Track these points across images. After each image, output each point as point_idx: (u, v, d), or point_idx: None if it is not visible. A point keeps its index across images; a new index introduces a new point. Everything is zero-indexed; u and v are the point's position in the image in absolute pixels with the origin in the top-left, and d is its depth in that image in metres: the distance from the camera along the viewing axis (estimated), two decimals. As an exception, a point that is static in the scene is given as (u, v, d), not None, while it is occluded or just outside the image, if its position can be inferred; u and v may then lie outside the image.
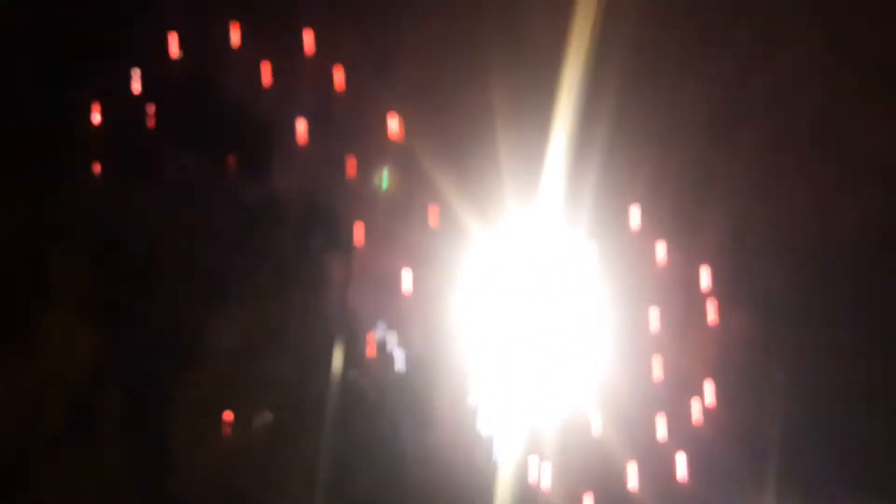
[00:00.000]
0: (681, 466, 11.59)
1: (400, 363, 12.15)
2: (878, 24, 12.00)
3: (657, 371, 11.97)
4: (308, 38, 12.63)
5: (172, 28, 12.57)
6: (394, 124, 12.43)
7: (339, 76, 12.67)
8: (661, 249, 12.25)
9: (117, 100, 12.51)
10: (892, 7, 11.92)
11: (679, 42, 12.24)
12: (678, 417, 11.82)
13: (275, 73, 12.70)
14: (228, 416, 11.45)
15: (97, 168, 12.26)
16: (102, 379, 11.30)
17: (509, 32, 12.17)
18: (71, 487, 10.82)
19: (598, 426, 11.66)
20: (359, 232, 12.45)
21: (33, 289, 11.30)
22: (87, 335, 11.30)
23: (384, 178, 12.44)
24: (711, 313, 12.10)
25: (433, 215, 12.41)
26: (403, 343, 12.27)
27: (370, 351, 12.23)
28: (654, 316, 12.14)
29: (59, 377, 11.09)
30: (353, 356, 12.06)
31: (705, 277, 12.21)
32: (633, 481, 11.53)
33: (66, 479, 10.85)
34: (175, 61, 12.64)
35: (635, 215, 12.28)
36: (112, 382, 11.37)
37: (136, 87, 12.54)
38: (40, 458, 10.81)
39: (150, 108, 12.56)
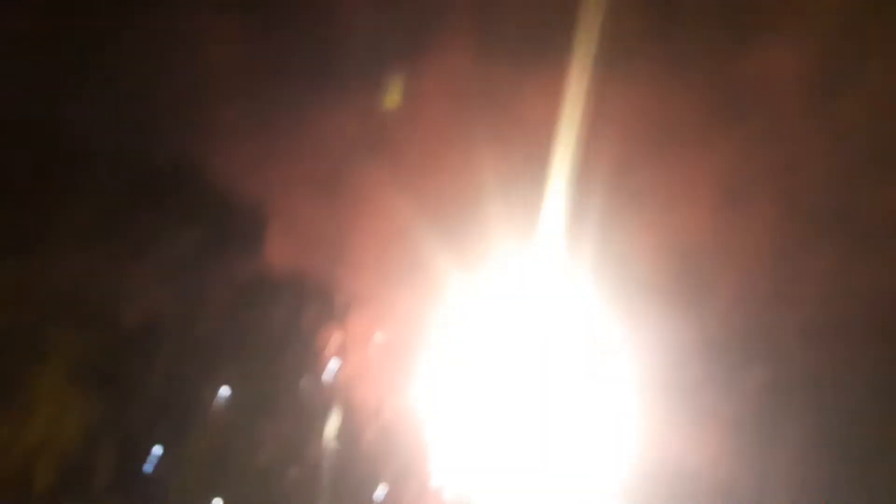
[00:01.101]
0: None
1: (395, 432, 12.20)
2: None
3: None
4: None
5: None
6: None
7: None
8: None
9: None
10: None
11: (684, 117, 12.59)
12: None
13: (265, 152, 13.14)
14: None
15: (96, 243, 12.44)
16: (96, 444, 11.19)
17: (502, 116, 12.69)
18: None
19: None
20: (352, 304, 12.71)
21: (28, 356, 11.32)
22: (81, 402, 11.26)
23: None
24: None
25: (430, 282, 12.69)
26: (398, 411, 12.35)
27: (364, 420, 12.28)
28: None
29: (51, 442, 10.97)
30: (348, 425, 12.11)
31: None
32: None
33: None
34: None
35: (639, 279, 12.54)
36: (105, 448, 11.25)
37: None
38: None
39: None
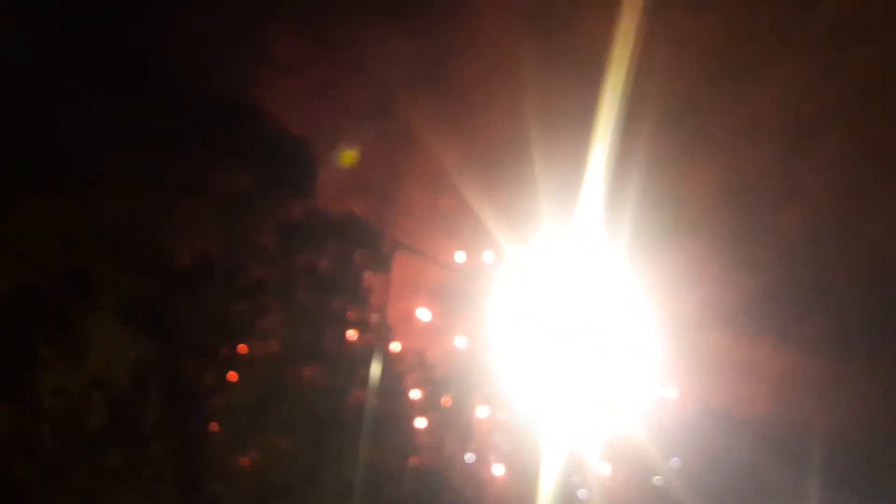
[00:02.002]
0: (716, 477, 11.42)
1: (437, 375, 12.21)
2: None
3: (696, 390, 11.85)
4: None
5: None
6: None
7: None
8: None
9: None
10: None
11: (745, 43, 11.90)
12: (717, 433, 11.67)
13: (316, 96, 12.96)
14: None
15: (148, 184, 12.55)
16: (145, 385, 11.52)
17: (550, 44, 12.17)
18: (114, 486, 10.97)
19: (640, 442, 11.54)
20: (398, 249, 12.62)
21: (81, 295, 11.62)
22: (132, 341, 11.56)
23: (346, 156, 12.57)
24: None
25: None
26: (442, 355, 12.34)
27: (407, 363, 12.32)
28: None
29: (103, 380, 11.34)
30: (391, 367, 12.15)
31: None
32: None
33: (109, 477, 11.01)
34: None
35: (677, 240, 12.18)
36: (155, 387, 11.59)
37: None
38: (85, 457, 11.01)
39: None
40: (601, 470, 11.43)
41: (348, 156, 12.57)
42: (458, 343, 12.29)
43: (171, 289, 12.14)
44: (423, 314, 12.62)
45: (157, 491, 11.08)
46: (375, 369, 11.92)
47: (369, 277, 12.72)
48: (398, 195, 13.15)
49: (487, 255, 12.65)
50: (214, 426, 11.62)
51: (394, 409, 12.09)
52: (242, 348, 11.95)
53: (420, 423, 12.07)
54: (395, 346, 12.41)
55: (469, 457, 11.98)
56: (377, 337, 12.27)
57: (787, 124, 12.43)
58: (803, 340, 12.05)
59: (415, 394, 12.23)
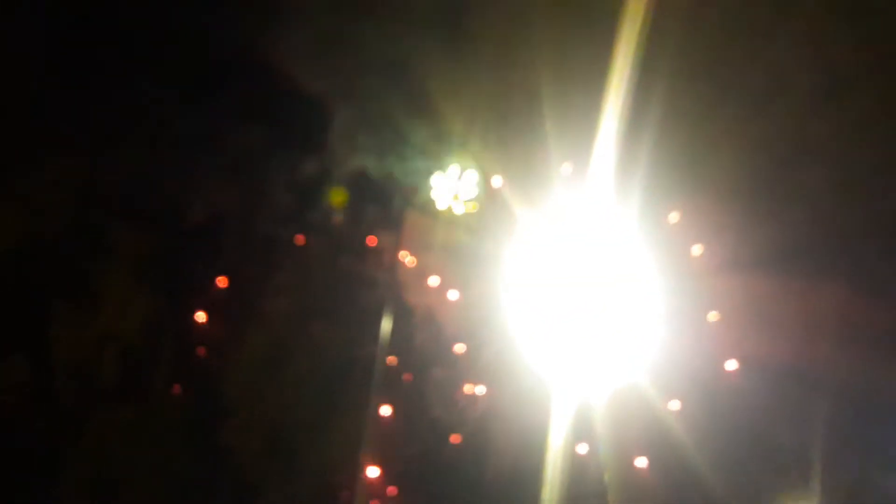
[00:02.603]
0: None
1: (448, 331, 12.16)
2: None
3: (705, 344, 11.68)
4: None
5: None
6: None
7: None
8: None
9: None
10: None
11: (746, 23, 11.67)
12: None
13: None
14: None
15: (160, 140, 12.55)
16: (158, 340, 11.61)
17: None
18: (127, 438, 11.12)
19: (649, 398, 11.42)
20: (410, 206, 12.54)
21: (93, 249, 11.70)
22: (144, 298, 11.64)
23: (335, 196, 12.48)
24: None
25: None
26: (450, 312, 12.27)
27: (419, 319, 12.26)
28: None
29: (115, 336, 11.44)
30: (402, 324, 12.11)
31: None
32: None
33: (122, 429, 11.16)
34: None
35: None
36: (167, 344, 11.67)
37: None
38: (98, 408, 11.16)
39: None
40: (608, 419, 11.33)
41: (339, 195, 12.49)
42: (469, 298, 12.20)
43: (184, 244, 12.16)
44: (435, 271, 12.53)
45: (169, 441, 11.19)
46: (386, 326, 11.89)
47: (381, 234, 12.64)
48: (412, 152, 13.01)
49: (501, 211, 12.50)
50: (227, 380, 11.68)
51: (405, 363, 12.06)
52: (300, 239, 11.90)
53: (430, 377, 12.04)
54: (406, 303, 12.35)
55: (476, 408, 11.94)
56: (388, 294, 12.20)
57: (812, 79, 12.07)
58: (824, 292, 11.79)
59: (425, 350, 12.18)
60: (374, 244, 12.65)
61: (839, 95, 11.94)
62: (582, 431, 11.46)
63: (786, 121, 12.01)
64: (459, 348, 12.10)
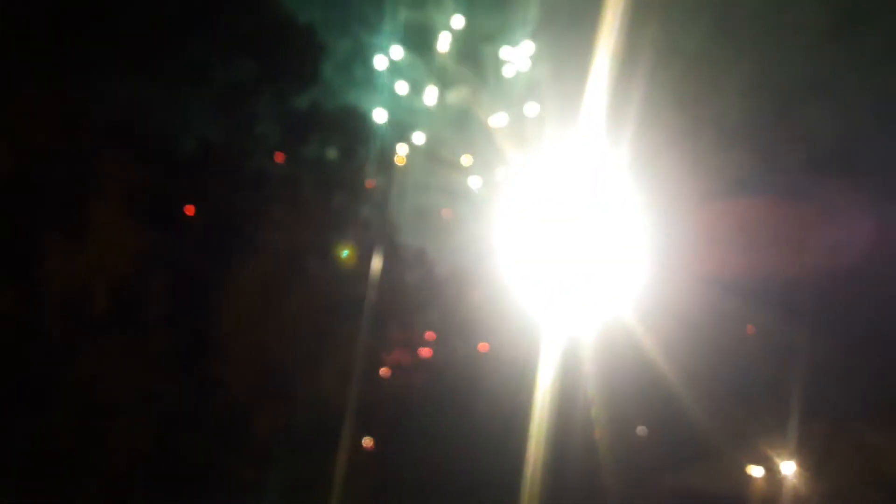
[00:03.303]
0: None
1: (437, 273, 12.21)
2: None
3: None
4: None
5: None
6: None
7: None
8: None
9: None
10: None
11: None
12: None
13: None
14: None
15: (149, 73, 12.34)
16: (148, 274, 11.56)
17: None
18: (118, 368, 11.14)
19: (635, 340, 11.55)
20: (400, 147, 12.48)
21: (83, 182, 11.57)
22: (134, 231, 11.55)
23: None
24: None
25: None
26: (440, 253, 12.31)
27: (408, 259, 12.29)
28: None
29: (104, 269, 11.37)
30: (392, 262, 12.14)
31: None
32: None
33: (113, 358, 11.17)
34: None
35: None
36: (157, 278, 11.62)
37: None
38: (89, 341, 11.14)
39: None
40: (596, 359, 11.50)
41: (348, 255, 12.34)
42: (462, 240, 12.23)
43: (174, 177, 12.05)
44: (428, 212, 12.54)
45: (160, 371, 11.23)
46: (377, 264, 11.91)
47: (373, 174, 12.59)
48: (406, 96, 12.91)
49: (494, 158, 12.47)
50: (218, 312, 11.68)
51: (396, 302, 12.12)
52: None
53: (421, 317, 12.13)
54: (398, 243, 12.37)
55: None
56: (380, 233, 12.21)
57: (816, 19, 11.97)
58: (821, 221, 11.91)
59: (417, 289, 12.25)
60: (367, 183, 12.61)
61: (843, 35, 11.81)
62: (569, 367, 11.58)
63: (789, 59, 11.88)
64: (451, 290, 12.19)
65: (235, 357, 11.37)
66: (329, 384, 11.37)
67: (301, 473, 11.23)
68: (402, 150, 12.72)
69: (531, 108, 12.31)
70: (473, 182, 12.61)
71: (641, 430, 12.02)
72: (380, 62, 12.74)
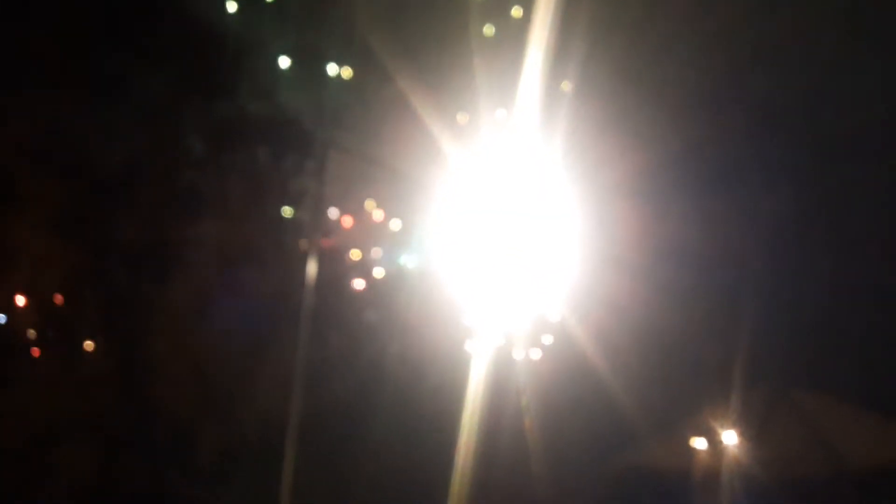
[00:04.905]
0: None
1: (377, 273, 12.20)
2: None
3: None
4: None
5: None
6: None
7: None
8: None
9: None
10: None
11: None
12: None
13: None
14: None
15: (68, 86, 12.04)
16: (78, 293, 11.35)
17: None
18: (50, 390, 10.94)
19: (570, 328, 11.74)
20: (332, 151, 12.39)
21: (4, 204, 11.28)
22: (60, 249, 11.31)
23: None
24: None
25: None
26: (379, 255, 12.30)
27: (346, 263, 12.26)
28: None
29: (33, 291, 11.13)
30: (329, 269, 12.10)
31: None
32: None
33: (44, 382, 10.97)
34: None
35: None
36: (87, 297, 11.42)
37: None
38: (16, 362, 10.91)
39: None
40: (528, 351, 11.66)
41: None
42: (399, 240, 12.24)
43: (98, 195, 11.81)
44: (361, 214, 12.50)
45: (95, 395, 11.06)
46: (313, 269, 11.85)
47: (305, 179, 12.50)
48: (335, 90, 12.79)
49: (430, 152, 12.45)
50: (152, 332, 11.53)
51: (335, 306, 12.10)
52: None
53: (363, 319, 12.14)
54: (334, 247, 12.32)
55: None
56: (315, 238, 12.15)
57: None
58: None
59: (356, 291, 12.23)
60: (297, 187, 12.52)
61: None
62: (501, 366, 11.73)
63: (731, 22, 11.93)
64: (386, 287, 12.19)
65: (174, 377, 11.25)
66: (269, 398, 11.32)
67: (250, 490, 11.21)
68: (333, 151, 12.62)
69: (464, 96, 12.29)
70: (405, 180, 12.59)
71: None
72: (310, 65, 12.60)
